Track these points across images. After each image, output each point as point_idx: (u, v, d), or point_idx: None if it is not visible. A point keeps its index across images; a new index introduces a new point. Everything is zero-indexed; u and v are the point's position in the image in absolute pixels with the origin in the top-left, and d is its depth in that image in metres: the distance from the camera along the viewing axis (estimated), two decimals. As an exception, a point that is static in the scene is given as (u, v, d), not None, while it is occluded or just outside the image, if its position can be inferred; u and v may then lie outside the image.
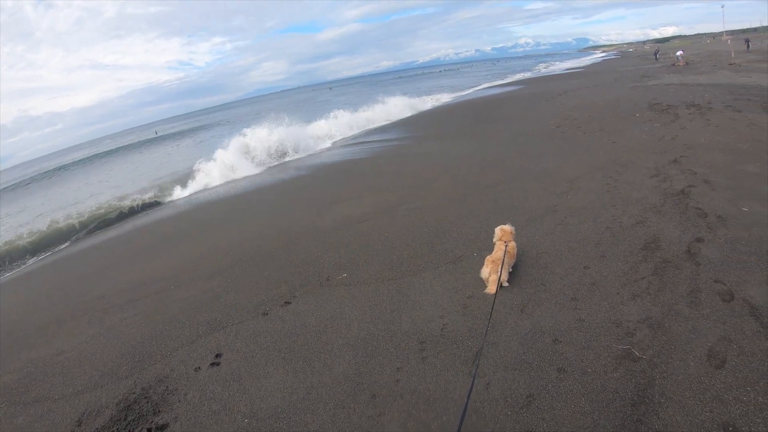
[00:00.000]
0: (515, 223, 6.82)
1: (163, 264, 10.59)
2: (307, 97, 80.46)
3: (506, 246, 6.13)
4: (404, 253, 7.96)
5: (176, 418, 5.11)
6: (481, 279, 6.27)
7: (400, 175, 13.81)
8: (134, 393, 5.79)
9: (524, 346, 4.85)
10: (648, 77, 29.27)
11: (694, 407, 3.69)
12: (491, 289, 5.97)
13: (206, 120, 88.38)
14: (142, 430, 5.06)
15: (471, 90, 46.14)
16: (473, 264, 6.91)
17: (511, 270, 6.23)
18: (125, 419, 5.34)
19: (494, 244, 6.48)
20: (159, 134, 68.14)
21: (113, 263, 11.80)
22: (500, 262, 5.94)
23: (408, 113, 32.95)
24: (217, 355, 6.15)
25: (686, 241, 6.42)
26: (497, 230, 6.57)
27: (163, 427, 5.03)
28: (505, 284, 6.03)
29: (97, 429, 5.29)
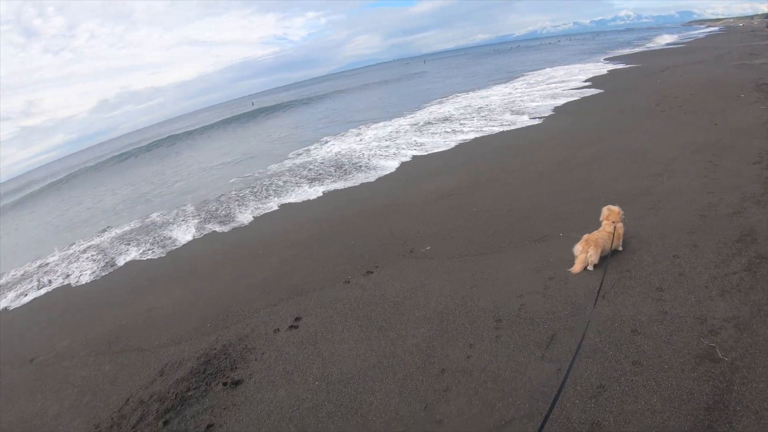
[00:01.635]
0: (606, 204, 6.55)
1: (253, 232, 11.17)
2: (403, 73, 78.69)
3: (615, 227, 5.97)
4: (489, 230, 7.97)
5: (251, 375, 5.47)
6: (572, 255, 6.15)
7: (492, 151, 13.74)
8: (215, 349, 6.24)
9: (601, 334, 4.72)
10: (755, 55, 26.64)
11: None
12: (576, 268, 5.89)
13: (301, 93, 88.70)
14: (218, 383, 5.47)
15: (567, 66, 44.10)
16: (558, 244, 6.81)
17: (609, 253, 6.02)
18: (204, 372, 5.77)
19: (601, 223, 6.29)
20: (255, 106, 70.30)
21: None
22: (594, 243, 5.83)
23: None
24: (297, 319, 6.50)
25: (787, 237, 5.92)
26: (604, 210, 6.36)
27: (238, 382, 5.40)
28: (590, 268, 5.88)
29: (177, 379, 5.76)
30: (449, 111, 23.70)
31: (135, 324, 7.76)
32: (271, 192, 14.58)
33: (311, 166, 17.11)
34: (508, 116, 18.78)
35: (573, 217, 7.63)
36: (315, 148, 21.22)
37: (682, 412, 3.63)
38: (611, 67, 31.96)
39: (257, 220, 12.11)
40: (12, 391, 6.84)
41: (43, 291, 11.11)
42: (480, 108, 22.47)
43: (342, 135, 23.42)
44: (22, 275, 13.05)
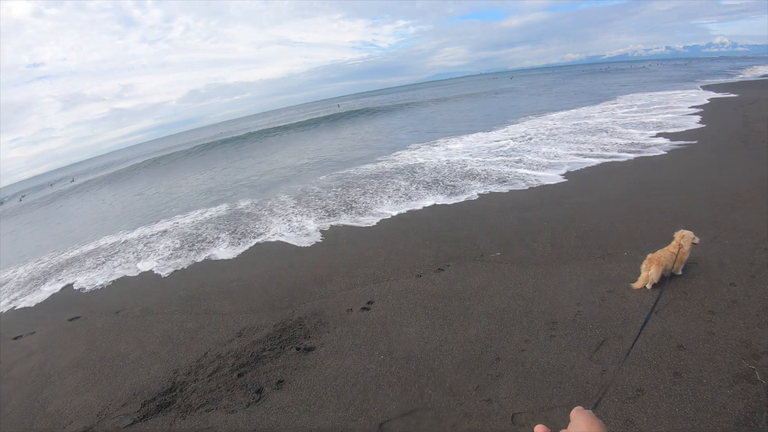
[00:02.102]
0: (672, 230, 6.78)
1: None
2: (491, 88, 77.11)
3: (679, 248, 6.21)
4: (558, 243, 8.34)
5: (323, 344, 6.20)
6: (632, 272, 6.54)
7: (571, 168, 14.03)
8: (291, 320, 7.03)
9: (648, 344, 5.06)
10: None
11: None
12: (637, 284, 6.23)
13: (387, 99, 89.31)
14: (291, 348, 6.25)
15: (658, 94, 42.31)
16: (621, 262, 7.11)
17: (673, 273, 6.30)
18: (279, 337, 6.58)
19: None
20: (341, 109, 71.91)
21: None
22: (656, 261, 6.09)
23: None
24: (369, 302, 7.20)
25: None
26: (676, 234, 6.52)
27: (310, 349, 6.15)
28: (649, 287, 6.15)
29: (253, 341, 6.60)
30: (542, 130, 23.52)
31: (218, 292, 8.72)
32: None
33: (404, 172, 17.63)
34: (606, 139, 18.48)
35: (639, 238, 7.86)
36: (400, 155, 21.78)
37: (712, 422, 3.94)
38: (696, 93, 30.75)
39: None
40: (97, 335, 8.01)
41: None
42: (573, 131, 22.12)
43: (429, 144, 23.92)
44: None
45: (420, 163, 18.49)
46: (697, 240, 6.37)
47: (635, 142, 16.59)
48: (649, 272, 6.11)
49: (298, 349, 6.21)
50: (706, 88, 36.15)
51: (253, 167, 27.83)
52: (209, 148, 50.46)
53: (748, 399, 4.13)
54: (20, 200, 51.28)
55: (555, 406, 4.39)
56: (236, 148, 45.89)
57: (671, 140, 15.96)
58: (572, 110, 30.30)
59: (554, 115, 28.76)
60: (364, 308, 7.04)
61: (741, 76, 48.60)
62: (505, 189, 12.58)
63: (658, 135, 17.26)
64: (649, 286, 6.17)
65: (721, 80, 43.99)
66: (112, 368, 6.85)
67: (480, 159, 17.65)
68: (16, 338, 8.80)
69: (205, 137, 74.45)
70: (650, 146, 15.45)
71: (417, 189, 14.24)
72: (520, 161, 16.16)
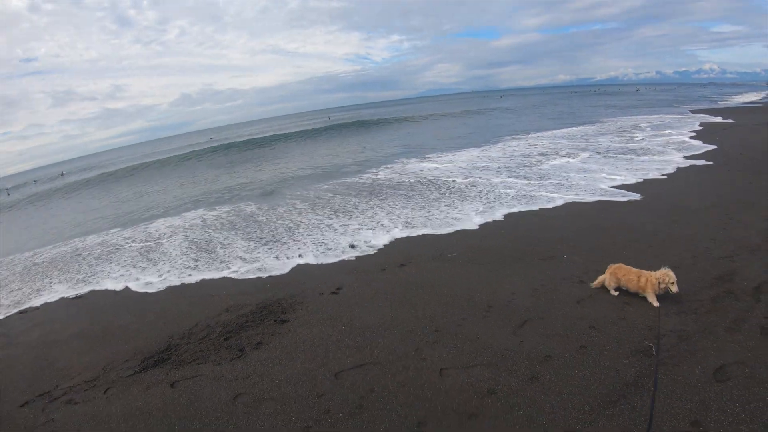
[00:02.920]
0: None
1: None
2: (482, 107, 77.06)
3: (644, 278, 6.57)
4: (513, 247, 9.45)
5: (296, 318, 7.38)
6: (570, 274, 7.66)
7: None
8: (270, 301, 8.22)
9: (564, 324, 6.13)
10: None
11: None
12: (594, 284, 7.12)
13: (376, 112, 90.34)
14: (270, 320, 7.44)
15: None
16: (561, 264, 8.20)
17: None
18: (260, 312, 7.79)
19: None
20: (332, 120, 71.70)
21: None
22: (614, 273, 6.79)
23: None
24: (338, 288, 8.35)
25: None
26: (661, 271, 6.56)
27: (285, 321, 7.33)
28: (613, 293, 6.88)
29: (238, 315, 7.80)
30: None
31: (213, 284, 9.84)
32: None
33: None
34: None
35: (578, 244, 9.03)
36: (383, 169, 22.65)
37: (604, 382, 4.95)
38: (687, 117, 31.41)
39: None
40: (101, 312, 9.13)
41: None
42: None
43: (418, 159, 24.76)
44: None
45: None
46: (674, 289, 6.36)
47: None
48: (605, 277, 6.90)
49: (275, 320, 7.36)
50: (695, 112, 37.03)
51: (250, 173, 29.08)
52: (207, 153, 50.61)
53: (640, 367, 5.09)
54: (8, 194, 51.47)
55: (476, 364, 5.45)
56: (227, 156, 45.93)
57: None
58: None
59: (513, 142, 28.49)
60: (334, 292, 8.22)
61: (727, 102, 49.40)
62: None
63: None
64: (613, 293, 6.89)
65: (710, 105, 44.81)
66: (113, 336, 7.92)
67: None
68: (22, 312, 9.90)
69: (196, 142, 76.05)
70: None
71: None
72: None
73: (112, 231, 16.97)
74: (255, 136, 61.54)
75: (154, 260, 12.02)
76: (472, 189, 15.37)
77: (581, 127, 32.41)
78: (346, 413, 4.93)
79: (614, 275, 6.78)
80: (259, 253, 11.22)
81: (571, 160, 19.15)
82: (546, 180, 15.69)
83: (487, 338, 5.98)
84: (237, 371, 6.07)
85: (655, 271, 6.46)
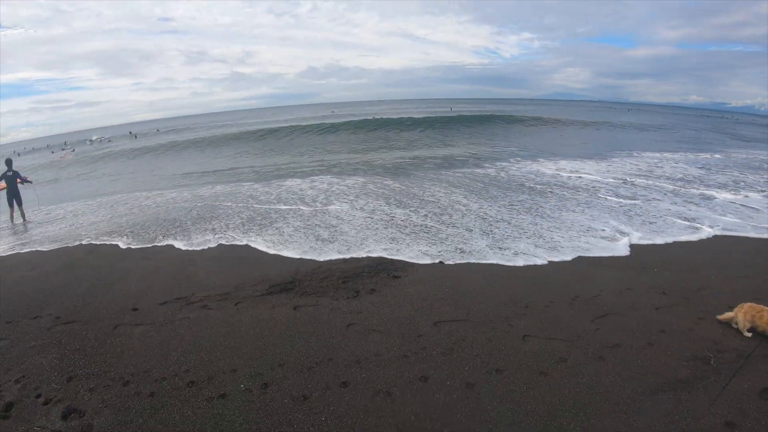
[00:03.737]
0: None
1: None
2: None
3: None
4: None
5: (407, 275, 8.63)
6: None
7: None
8: (386, 261, 9.52)
9: (639, 323, 6.73)
10: None
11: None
12: (722, 317, 6.72)
13: (503, 109, 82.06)
14: (384, 274, 8.74)
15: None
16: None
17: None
18: (376, 267, 9.15)
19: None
20: (453, 111, 69.95)
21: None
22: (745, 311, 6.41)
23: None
24: (441, 261, 9.58)
25: None
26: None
27: (397, 276, 8.55)
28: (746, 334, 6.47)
29: (357, 266, 9.22)
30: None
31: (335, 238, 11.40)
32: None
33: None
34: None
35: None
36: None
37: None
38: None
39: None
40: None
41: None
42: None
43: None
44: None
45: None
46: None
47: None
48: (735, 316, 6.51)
49: (388, 275, 8.62)
50: None
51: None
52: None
53: (695, 371, 5.43)
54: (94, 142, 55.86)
55: (555, 338, 6.38)
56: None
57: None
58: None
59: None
60: (440, 263, 9.36)
61: None
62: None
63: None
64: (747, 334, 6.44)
65: None
66: (247, 263, 9.69)
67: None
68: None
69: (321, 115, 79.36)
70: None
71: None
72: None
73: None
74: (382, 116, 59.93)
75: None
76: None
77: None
78: (439, 351, 5.97)
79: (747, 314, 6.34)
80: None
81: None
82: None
83: (568, 321, 6.80)
84: (351, 307, 7.31)
85: None
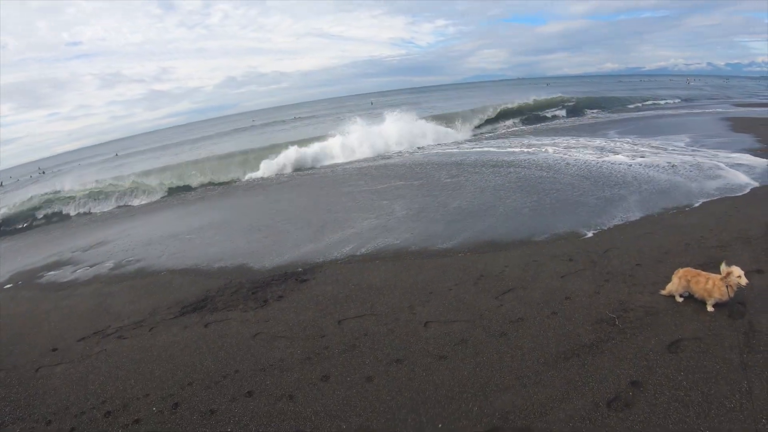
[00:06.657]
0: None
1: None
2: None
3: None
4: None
5: (314, 278, 8.70)
6: None
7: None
8: (296, 265, 9.39)
9: (543, 294, 6.83)
10: None
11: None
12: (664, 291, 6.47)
13: (421, 98, 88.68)
14: (292, 279, 8.71)
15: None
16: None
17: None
18: (285, 274, 9.09)
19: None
20: (374, 105, 70.59)
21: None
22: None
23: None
24: (350, 256, 9.53)
25: None
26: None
27: (305, 280, 8.58)
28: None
29: (267, 276, 9.06)
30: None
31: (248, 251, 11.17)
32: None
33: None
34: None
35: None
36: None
37: (563, 343, 5.70)
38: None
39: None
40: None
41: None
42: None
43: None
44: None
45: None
46: (743, 282, 5.62)
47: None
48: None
49: (296, 279, 8.63)
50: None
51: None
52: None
53: (600, 334, 5.65)
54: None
55: (457, 320, 6.41)
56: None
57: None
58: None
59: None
60: (348, 262, 9.34)
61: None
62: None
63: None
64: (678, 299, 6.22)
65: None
66: (159, 287, 9.43)
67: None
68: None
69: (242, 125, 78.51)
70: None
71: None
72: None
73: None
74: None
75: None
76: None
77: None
78: (341, 349, 6.03)
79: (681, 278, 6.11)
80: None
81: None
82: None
83: (471, 301, 6.88)
84: (260, 316, 7.33)
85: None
